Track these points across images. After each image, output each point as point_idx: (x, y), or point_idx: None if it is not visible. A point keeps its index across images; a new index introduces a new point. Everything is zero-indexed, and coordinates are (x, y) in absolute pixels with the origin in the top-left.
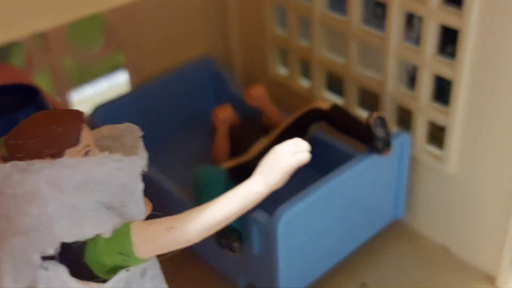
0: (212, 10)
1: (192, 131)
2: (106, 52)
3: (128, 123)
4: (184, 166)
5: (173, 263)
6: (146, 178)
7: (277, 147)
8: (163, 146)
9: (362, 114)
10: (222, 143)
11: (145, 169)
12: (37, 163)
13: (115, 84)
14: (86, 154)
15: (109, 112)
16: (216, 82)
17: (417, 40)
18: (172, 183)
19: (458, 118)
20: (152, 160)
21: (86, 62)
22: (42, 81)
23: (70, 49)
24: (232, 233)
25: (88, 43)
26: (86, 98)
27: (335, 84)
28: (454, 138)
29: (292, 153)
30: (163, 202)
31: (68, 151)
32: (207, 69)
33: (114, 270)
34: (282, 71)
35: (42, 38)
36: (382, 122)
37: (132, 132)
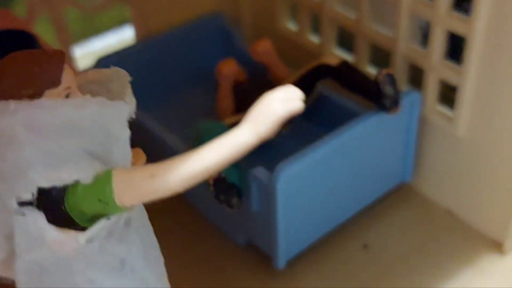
0: None
1: (198, 86)
2: (111, 3)
3: (116, 67)
4: (188, 121)
5: (170, 217)
6: (147, 130)
7: (268, 94)
8: (168, 101)
9: (373, 71)
10: (225, 98)
11: (133, 116)
12: (12, 104)
13: (122, 39)
14: (67, 97)
15: (112, 65)
16: (224, 37)
17: None
18: (174, 137)
19: (470, 77)
20: (155, 115)
21: (90, 13)
22: (44, 34)
23: None
24: (230, 189)
25: None
26: (91, 52)
27: (346, 40)
28: (466, 98)
29: (283, 101)
30: (163, 155)
31: (47, 92)
32: (215, 24)
33: (95, 219)
34: (291, 26)
35: None
36: (391, 79)
37: (120, 77)
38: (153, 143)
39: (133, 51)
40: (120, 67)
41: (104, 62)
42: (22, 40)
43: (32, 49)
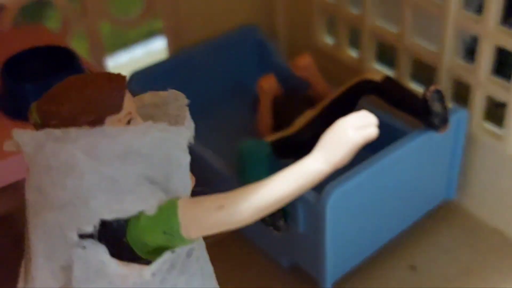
0: None
1: (233, 102)
2: (145, 18)
3: (172, 90)
4: (225, 139)
5: (214, 238)
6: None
7: (341, 120)
8: (203, 117)
9: (415, 88)
10: (265, 115)
11: (192, 141)
12: (73, 131)
13: (152, 50)
14: (128, 123)
15: (146, 80)
16: (259, 51)
17: (477, 9)
18: (214, 156)
19: None
20: (194, 133)
21: (124, 28)
22: (78, 47)
23: (107, 13)
24: (277, 211)
25: (126, 8)
26: (122, 64)
27: (386, 55)
28: None
29: (358, 128)
30: (205, 176)
31: (108, 119)
32: (250, 37)
33: (157, 251)
34: (329, 40)
35: (79, 2)
36: (440, 96)
37: (176, 99)
38: (197, 164)
39: (166, 65)
40: (153, 81)
41: (138, 76)
42: (61, 56)
43: (72, 66)
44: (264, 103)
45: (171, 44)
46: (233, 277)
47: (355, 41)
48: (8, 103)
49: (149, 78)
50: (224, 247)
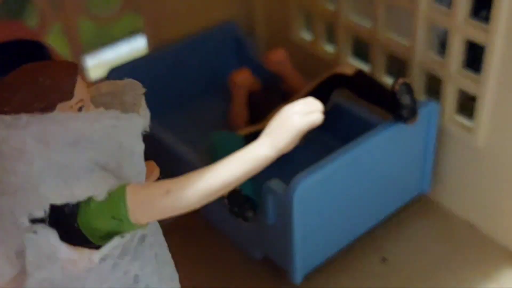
0: None
1: (212, 96)
2: (123, 14)
3: (129, 79)
4: (201, 132)
5: (184, 232)
6: (160, 141)
7: (286, 107)
8: (181, 111)
9: (389, 81)
10: (239, 108)
11: (147, 129)
12: (24, 118)
13: (134, 48)
14: (80, 109)
15: (124, 75)
16: (237, 47)
17: (449, 3)
18: (188, 148)
19: (489, 87)
20: (168, 125)
21: (102, 24)
22: (57, 44)
23: (85, 9)
24: (245, 202)
25: (104, 4)
26: (103, 62)
27: (361, 49)
28: (485, 108)
29: (303, 114)
30: (177, 167)
31: (59, 105)
32: (228, 33)
33: (109, 236)
34: (306, 35)
35: None
36: (408, 88)
37: (133, 88)
38: (166, 155)
39: (145, 61)
40: (132, 77)
41: (116, 72)
42: (33, 50)
43: (44, 60)
44: (236, 96)
45: (151, 41)
46: (205, 270)
47: (331, 37)
48: None
49: (127, 74)
50: (197, 240)
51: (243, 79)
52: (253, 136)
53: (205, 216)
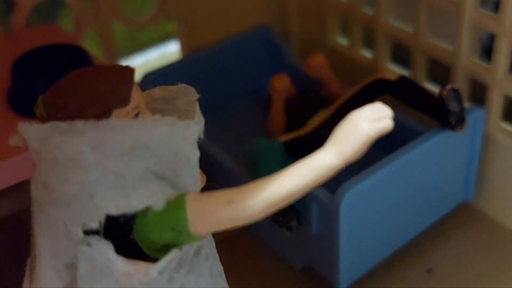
0: None
1: (246, 102)
2: (157, 19)
3: (183, 84)
4: (237, 139)
5: (226, 241)
6: (199, 148)
7: (354, 113)
8: (216, 117)
9: (431, 88)
10: (278, 115)
11: (201, 136)
12: (79, 124)
13: (167, 53)
14: (136, 116)
15: (159, 80)
16: (272, 52)
17: (494, 7)
18: (226, 155)
19: None
20: (205, 131)
21: (136, 29)
22: (91, 48)
23: (120, 14)
24: (289, 211)
25: (139, 9)
26: (136, 67)
27: (401, 55)
28: None
29: (371, 120)
30: (216, 175)
31: (115, 112)
32: (263, 38)
33: (165, 249)
34: (342, 41)
35: (91, 2)
36: (457, 95)
37: (187, 94)
38: (207, 162)
39: (179, 66)
40: (166, 82)
41: (150, 77)
42: (74, 54)
43: (83, 64)
44: (276, 102)
45: (184, 46)
46: (246, 279)
47: (369, 41)
48: (18, 100)
49: (162, 79)
50: (237, 249)
51: (282, 85)
52: (292, 143)
53: (247, 225)
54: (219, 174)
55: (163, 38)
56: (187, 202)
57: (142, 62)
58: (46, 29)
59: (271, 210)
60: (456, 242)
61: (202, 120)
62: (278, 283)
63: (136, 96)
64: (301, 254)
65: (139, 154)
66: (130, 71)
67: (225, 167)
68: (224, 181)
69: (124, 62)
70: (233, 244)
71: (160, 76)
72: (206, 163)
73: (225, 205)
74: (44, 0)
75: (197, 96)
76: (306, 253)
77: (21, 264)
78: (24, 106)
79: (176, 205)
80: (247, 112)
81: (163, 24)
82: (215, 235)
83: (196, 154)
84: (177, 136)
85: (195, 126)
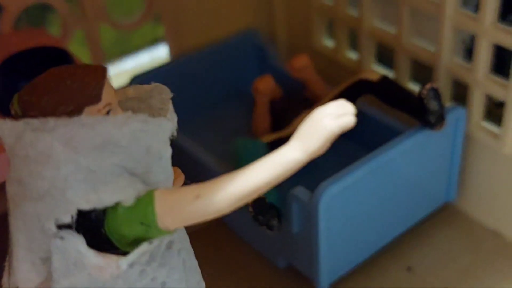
0: None
1: (234, 104)
2: (145, 21)
3: (156, 83)
4: (224, 140)
5: (207, 240)
6: (183, 149)
7: (318, 109)
8: (204, 119)
9: (414, 88)
10: (262, 116)
11: (175, 133)
12: (51, 121)
13: (157, 57)
14: (107, 113)
15: (147, 83)
16: (259, 54)
17: (476, 8)
18: (211, 155)
19: None
20: (191, 133)
21: (124, 32)
22: (79, 52)
23: (107, 16)
24: (270, 210)
25: (127, 12)
26: (126, 71)
27: (385, 56)
28: None
29: (334, 116)
30: (201, 175)
31: (87, 109)
32: (250, 41)
33: (136, 242)
34: (328, 42)
35: (78, 5)
36: (436, 94)
37: (160, 93)
38: (189, 162)
39: (168, 69)
40: None
41: (139, 80)
42: (58, 57)
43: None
44: (259, 103)
45: (172, 49)
46: (229, 278)
47: (354, 43)
48: (2, 100)
49: (150, 82)
50: (220, 247)
51: (265, 86)
52: (276, 143)
53: (228, 223)
54: (203, 175)
55: (153, 42)
56: (156, 197)
57: (132, 66)
58: (34, 32)
59: (238, 204)
60: (437, 241)
61: (175, 118)
62: (261, 281)
63: (108, 94)
64: (283, 253)
65: (110, 150)
66: (102, 69)
67: (208, 167)
68: (206, 180)
69: (115, 66)
70: (215, 243)
71: (148, 79)
72: (191, 164)
73: (192, 199)
74: (32, 4)
75: (170, 94)
76: (287, 252)
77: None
78: (9, 107)
79: (145, 200)
80: (235, 114)
81: (152, 27)
82: (187, 228)
83: (168, 151)
84: (149, 132)
85: (168, 123)
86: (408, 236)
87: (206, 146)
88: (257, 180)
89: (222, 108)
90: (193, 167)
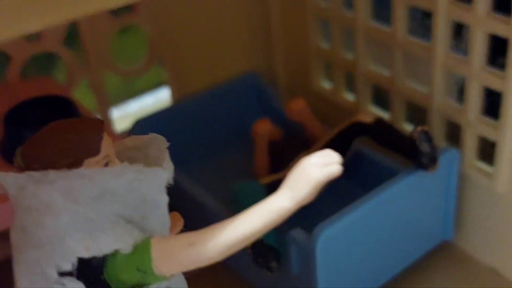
0: (256, 24)
1: (235, 146)
2: (148, 67)
3: (153, 134)
4: (225, 182)
5: (208, 279)
6: (184, 192)
7: (305, 159)
8: (205, 162)
9: (410, 129)
10: (261, 157)
11: (171, 182)
12: (51, 174)
13: (159, 100)
14: (106, 165)
15: (149, 127)
16: (260, 97)
17: (465, 51)
18: (213, 198)
19: (509, 132)
20: (192, 175)
21: (128, 77)
22: (84, 97)
23: (111, 64)
24: (269, 252)
25: (131, 59)
26: (129, 114)
27: (381, 97)
28: (505, 154)
29: (321, 166)
30: (201, 217)
31: (86, 161)
32: (250, 83)
33: None
34: (326, 84)
35: (83, 52)
36: (427, 136)
37: (157, 143)
38: (190, 205)
39: (169, 112)
40: (157, 128)
41: (141, 124)
42: (62, 105)
43: (71, 115)
44: (259, 146)
45: (174, 93)
46: None
47: (351, 84)
48: (8, 149)
49: (152, 125)
50: (219, 287)
51: (263, 129)
52: (274, 185)
53: (227, 264)
54: (205, 218)
55: (156, 84)
56: (152, 244)
57: (136, 109)
58: (40, 81)
59: (229, 252)
60: (435, 280)
61: (171, 167)
62: None
63: (106, 146)
64: None
65: (108, 200)
66: (100, 123)
67: (209, 210)
68: (207, 223)
69: (118, 109)
70: (215, 282)
71: (150, 123)
72: (193, 207)
73: (186, 247)
74: (39, 52)
75: (166, 144)
76: None
77: None
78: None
79: (141, 248)
80: (236, 156)
81: (156, 71)
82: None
83: (165, 199)
84: (145, 182)
85: (163, 173)
86: (407, 276)
87: (207, 188)
88: (247, 229)
89: (223, 150)
90: (194, 210)
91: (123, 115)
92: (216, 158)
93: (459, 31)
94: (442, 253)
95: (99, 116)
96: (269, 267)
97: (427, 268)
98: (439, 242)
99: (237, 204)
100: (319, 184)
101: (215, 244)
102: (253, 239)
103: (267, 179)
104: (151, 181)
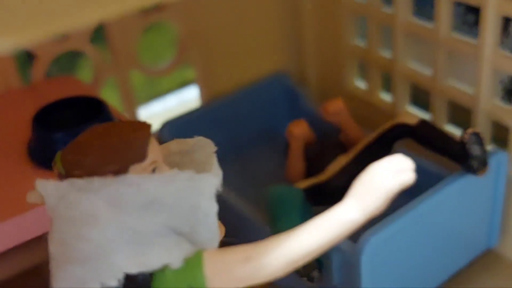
0: (286, 22)
1: (265, 148)
2: (176, 67)
3: (200, 137)
4: (257, 186)
5: None
6: (217, 198)
7: (375, 165)
8: (235, 164)
9: (452, 130)
10: (296, 161)
11: (220, 188)
12: (96, 181)
13: (185, 100)
14: (153, 171)
15: (178, 128)
16: (290, 97)
17: None
18: (245, 203)
19: None
20: (223, 179)
21: (155, 77)
22: (110, 97)
23: (138, 63)
24: (311, 261)
25: (158, 58)
26: (155, 114)
27: (420, 98)
28: None
29: (393, 173)
30: (235, 225)
31: (132, 167)
32: (281, 84)
33: None
34: (360, 84)
35: (110, 52)
36: (478, 139)
37: (203, 147)
38: (224, 211)
39: (198, 113)
40: (185, 130)
41: (170, 125)
42: (92, 106)
43: (103, 116)
44: (294, 148)
45: (203, 93)
46: None
47: (387, 84)
48: (38, 152)
49: (181, 127)
50: None
51: (300, 131)
52: (311, 190)
53: None
54: (239, 225)
55: (182, 84)
56: (205, 259)
57: (161, 109)
58: (65, 80)
59: (291, 268)
60: None
61: (220, 173)
62: None
63: (154, 151)
64: None
65: (156, 209)
66: (146, 126)
67: (245, 217)
68: (244, 232)
69: (143, 109)
70: None
71: (179, 124)
72: (226, 213)
73: (243, 262)
74: (64, 52)
75: (214, 148)
76: None
77: None
78: (44, 159)
79: (193, 263)
80: (266, 158)
81: (181, 71)
82: None
83: (214, 207)
84: (195, 190)
85: (213, 179)
86: (452, 285)
87: (239, 191)
88: (312, 243)
89: (254, 152)
90: (229, 217)
91: (150, 115)
92: (245, 160)
93: (505, 26)
94: (486, 260)
95: (127, 117)
96: (310, 277)
97: (471, 277)
98: (484, 249)
99: (273, 209)
100: (392, 194)
101: (275, 258)
102: (317, 253)
103: (303, 184)
104: (202, 188)
